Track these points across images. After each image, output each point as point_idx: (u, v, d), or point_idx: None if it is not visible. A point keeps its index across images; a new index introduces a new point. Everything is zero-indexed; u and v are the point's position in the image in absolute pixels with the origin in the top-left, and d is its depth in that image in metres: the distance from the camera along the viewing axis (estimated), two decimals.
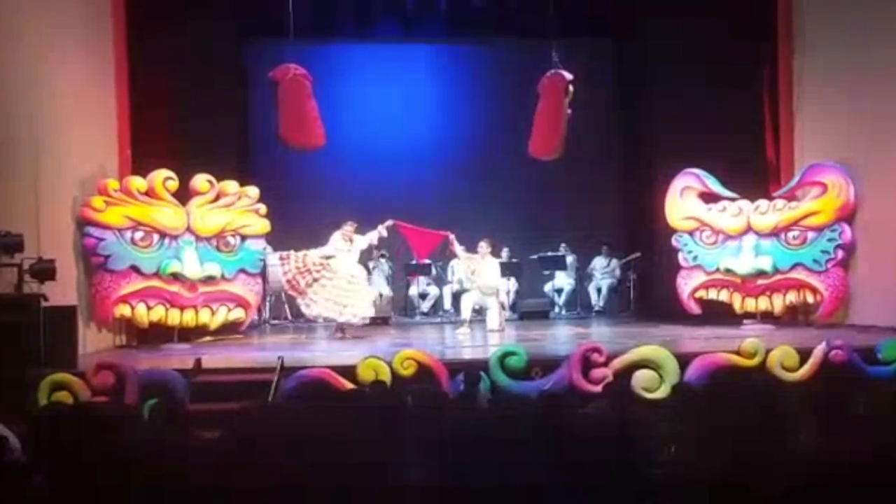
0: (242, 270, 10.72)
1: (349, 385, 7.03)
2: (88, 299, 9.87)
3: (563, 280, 14.34)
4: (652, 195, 12.26)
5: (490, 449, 3.37)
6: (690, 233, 11.57)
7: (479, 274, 11.25)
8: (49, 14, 9.20)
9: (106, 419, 4.30)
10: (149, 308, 10.14)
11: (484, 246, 11.33)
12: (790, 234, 11.14)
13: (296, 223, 13.65)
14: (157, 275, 10.18)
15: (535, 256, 14.09)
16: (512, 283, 13.92)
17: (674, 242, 11.66)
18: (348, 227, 10.87)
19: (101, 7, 10.52)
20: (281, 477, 2.97)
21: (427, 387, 6.75)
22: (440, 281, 13.89)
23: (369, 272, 12.47)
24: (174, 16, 10.95)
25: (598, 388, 7.09)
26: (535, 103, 11.00)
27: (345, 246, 10.82)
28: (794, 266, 11.09)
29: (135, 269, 10.08)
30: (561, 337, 11.26)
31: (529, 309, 13.56)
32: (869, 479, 2.78)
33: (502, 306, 11.72)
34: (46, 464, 3.36)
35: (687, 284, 11.59)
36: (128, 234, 10.07)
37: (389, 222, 11.11)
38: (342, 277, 10.70)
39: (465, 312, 11.35)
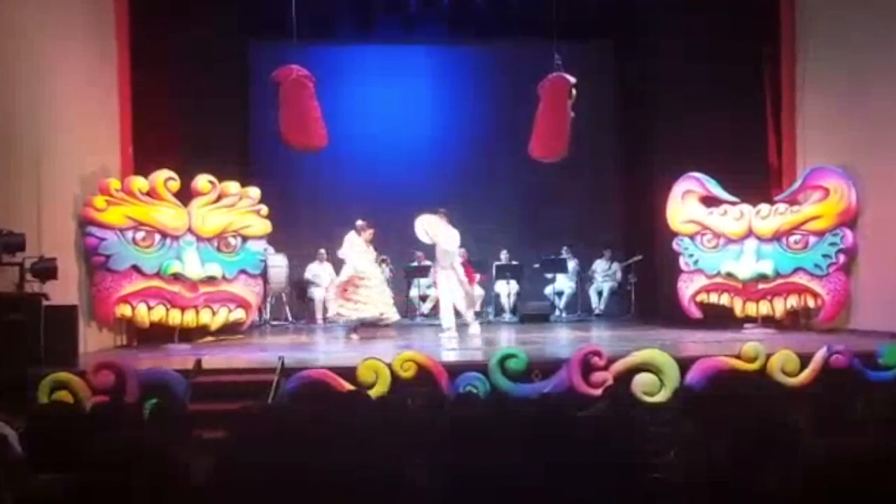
0: (243, 271, 10.72)
1: (349, 386, 7.03)
2: (89, 299, 9.88)
3: (563, 283, 14.35)
4: (653, 198, 12.27)
5: (489, 451, 3.37)
6: (691, 236, 11.56)
7: (443, 237, 10.86)
8: (51, 12, 9.20)
9: (106, 418, 4.30)
10: (150, 308, 10.15)
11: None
12: (791, 239, 11.14)
13: (297, 224, 13.71)
14: (158, 275, 10.19)
15: (537, 265, 14.10)
16: (513, 286, 13.93)
17: (675, 246, 11.65)
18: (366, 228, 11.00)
19: (104, 5, 10.52)
20: (282, 477, 2.97)
21: (427, 389, 6.76)
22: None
23: None
24: (177, 14, 10.94)
25: (599, 392, 7.08)
26: (536, 105, 11.00)
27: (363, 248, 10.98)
28: (796, 270, 11.09)
29: (136, 269, 10.10)
30: (561, 340, 11.24)
31: (530, 312, 13.55)
32: (869, 483, 2.78)
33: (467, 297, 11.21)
34: (48, 463, 3.36)
35: (688, 288, 11.59)
36: (129, 234, 10.08)
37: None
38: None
39: (447, 319, 10.82)
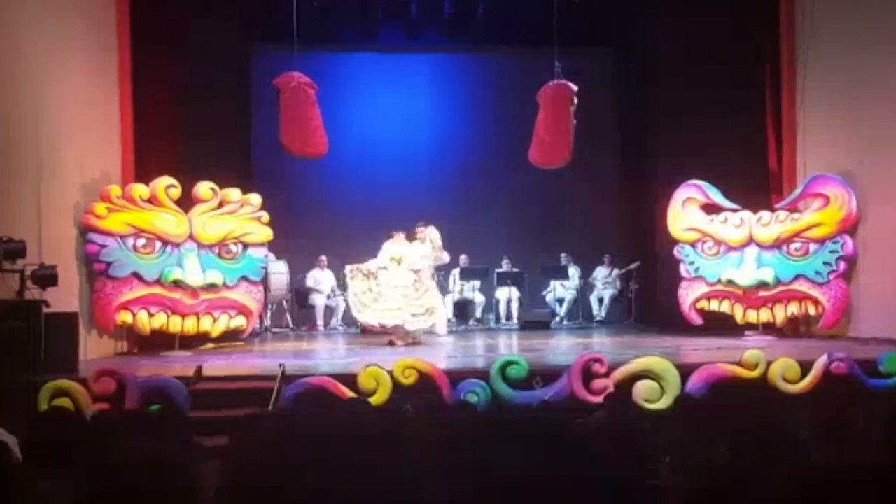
0: (244, 278, 10.71)
1: (350, 393, 7.03)
2: (90, 306, 9.86)
3: (564, 290, 14.34)
4: (654, 205, 12.27)
5: (489, 458, 3.37)
6: (692, 244, 11.57)
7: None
8: (51, 17, 9.18)
9: (107, 426, 4.30)
10: (150, 315, 10.14)
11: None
12: (792, 246, 11.15)
13: (298, 231, 13.71)
14: (158, 282, 10.17)
15: (538, 270, 14.15)
16: (513, 293, 13.94)
17: (675, 253, 11.66)
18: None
19: (105, 11, 10.51)
20: (283, 484, 2.96)
21: (428, 396, 6.76)
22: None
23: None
24: (178, 20, 10.95)
25: (599, 399, 7.08)
26: (537, 112, 11.00)
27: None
28: (796, 278, 11.10)
29: (137, 276, 10.08)
30: (562, 347, 11.22)
31: (531, 318, 13.55)
32: (869, 491, 2.78)
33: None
34: (49, 470, 3.35)
35: (688, 295, 11.59)
36: (130, 241, 10.07)
37: None
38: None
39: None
